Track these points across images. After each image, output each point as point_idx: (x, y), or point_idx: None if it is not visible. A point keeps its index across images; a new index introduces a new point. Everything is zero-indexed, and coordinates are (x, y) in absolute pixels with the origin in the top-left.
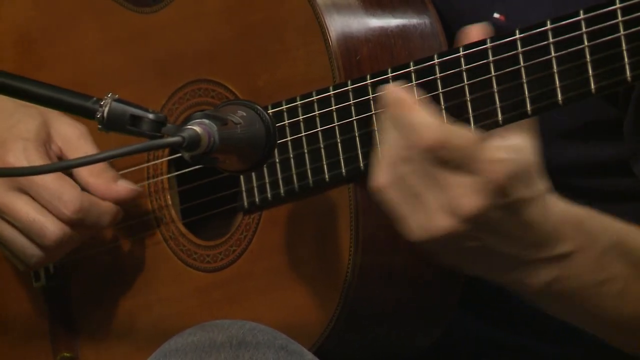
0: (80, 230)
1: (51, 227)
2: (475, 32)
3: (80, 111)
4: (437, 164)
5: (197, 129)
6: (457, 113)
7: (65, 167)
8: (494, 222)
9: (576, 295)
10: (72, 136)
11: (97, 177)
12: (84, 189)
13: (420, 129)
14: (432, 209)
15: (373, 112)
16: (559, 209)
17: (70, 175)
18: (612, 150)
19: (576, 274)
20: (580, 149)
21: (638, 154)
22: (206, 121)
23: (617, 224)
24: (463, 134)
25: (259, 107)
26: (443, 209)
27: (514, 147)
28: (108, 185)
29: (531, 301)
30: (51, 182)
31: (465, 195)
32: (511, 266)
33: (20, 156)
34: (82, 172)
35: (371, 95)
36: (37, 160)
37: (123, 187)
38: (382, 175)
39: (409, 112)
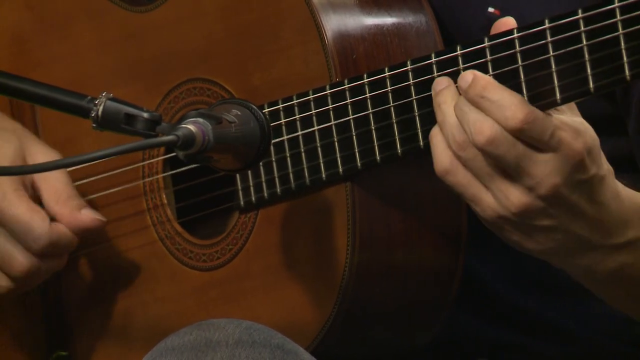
0: (50, 260)
1: (19, 258)
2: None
3: (74, 110)
4: (521, 141)
5: (192, 127)
6: None
7: (55, 166)
8: (570, 200)
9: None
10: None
11: (62, 205)
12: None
13: (511, 106)
14: (509, 185)
15: (370, 110)
16: (626, 195)
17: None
18: (611, 146)
19: None
20: None
21: None
22: (200, 120)
23: None
24: (541, 112)
25: (253, 106)
26: (521, 184)
27: (582, 123)
28: (72, 213)
29: (591, 288)
30: (22, 215)
31: (545, 171)
32: (582, 250)
33: None
34: (49, 200)
35: (368, 95)
36: (9, 192)
37: (87, 217)
38: (448, 159)
39: (497, 91)
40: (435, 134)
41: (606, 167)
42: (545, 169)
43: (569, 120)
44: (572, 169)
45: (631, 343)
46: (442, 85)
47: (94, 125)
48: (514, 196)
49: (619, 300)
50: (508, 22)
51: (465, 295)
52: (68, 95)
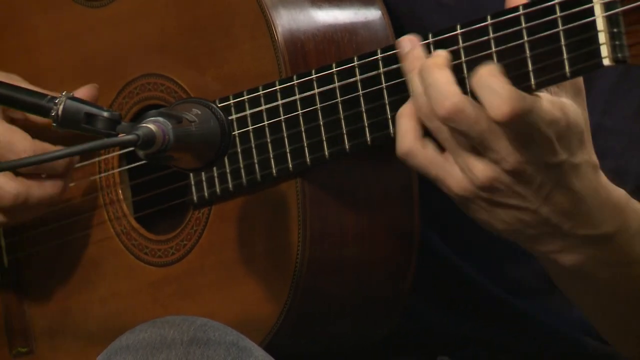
0: (38, 184)
1: (6, 186)
2: None
3: (35, 109)
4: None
5: (152, 127)
6: (399, 107)
7: (14, 166)
8: (536, 180)
9: (604, 277)
10: None
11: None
12: None
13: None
14: (474, 159)
15: (318, 105)
16: (606, 189)
17: None
18: None
19: (610, 256)
20: None
21: None
22: (160, 119)
23: None
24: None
25: (213, 105)
26: (486, 158)
27: (563, 107)
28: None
29: (555, 280)
30: (3, 134)
31: (509, 147)
32: (549, 235)
33: None
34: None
35: (316, 90)
36: None
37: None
38: (409, 141)
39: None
40: (401, 114)
41: (584, 158)
42: (509, 145)
43: (550, 101)
44: (538, 150)
45: (600, 338)
46: (405, 47)
47: (54, 124)
48: (479, 169)
49: (578, 299)
50: None
51: (428, 287)
52: (28, 94)
